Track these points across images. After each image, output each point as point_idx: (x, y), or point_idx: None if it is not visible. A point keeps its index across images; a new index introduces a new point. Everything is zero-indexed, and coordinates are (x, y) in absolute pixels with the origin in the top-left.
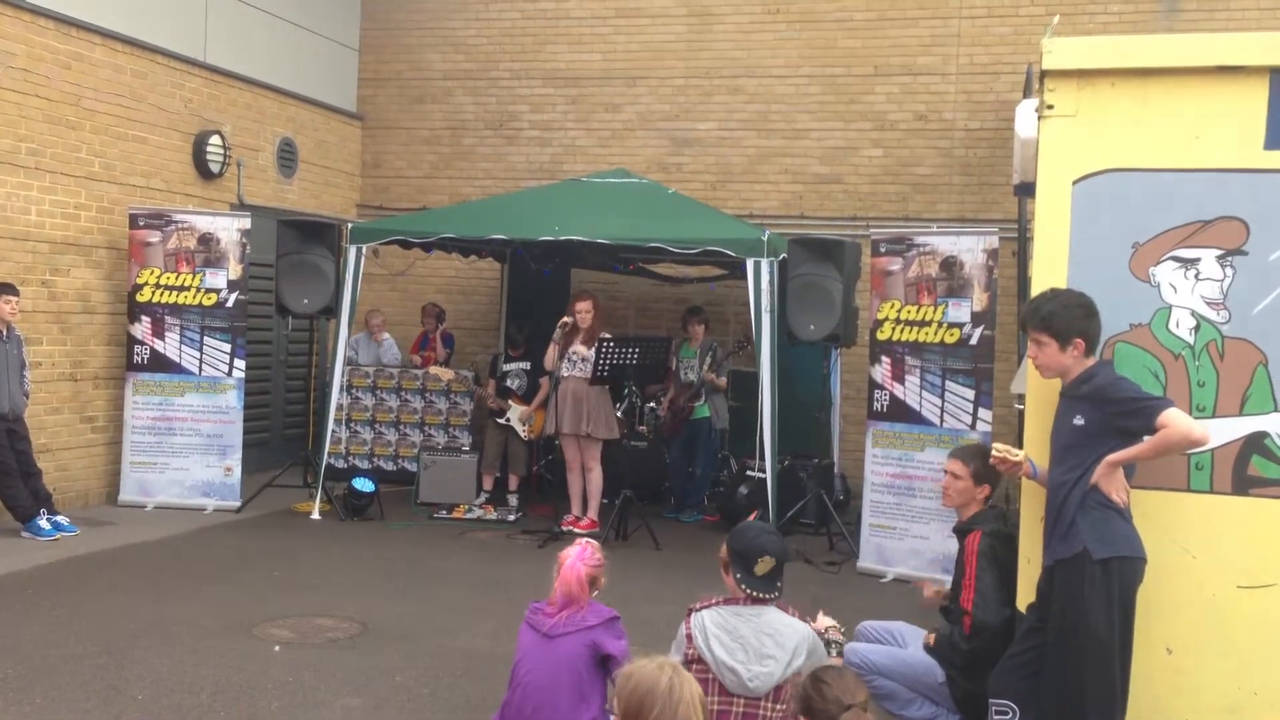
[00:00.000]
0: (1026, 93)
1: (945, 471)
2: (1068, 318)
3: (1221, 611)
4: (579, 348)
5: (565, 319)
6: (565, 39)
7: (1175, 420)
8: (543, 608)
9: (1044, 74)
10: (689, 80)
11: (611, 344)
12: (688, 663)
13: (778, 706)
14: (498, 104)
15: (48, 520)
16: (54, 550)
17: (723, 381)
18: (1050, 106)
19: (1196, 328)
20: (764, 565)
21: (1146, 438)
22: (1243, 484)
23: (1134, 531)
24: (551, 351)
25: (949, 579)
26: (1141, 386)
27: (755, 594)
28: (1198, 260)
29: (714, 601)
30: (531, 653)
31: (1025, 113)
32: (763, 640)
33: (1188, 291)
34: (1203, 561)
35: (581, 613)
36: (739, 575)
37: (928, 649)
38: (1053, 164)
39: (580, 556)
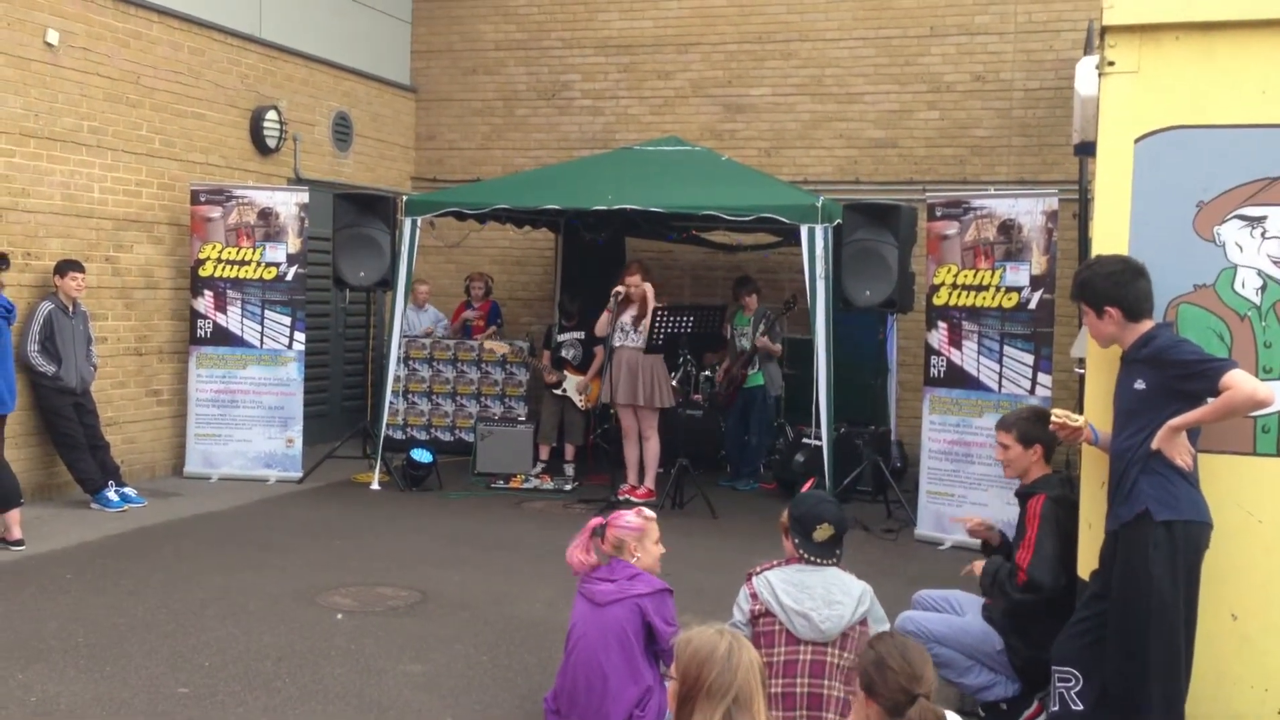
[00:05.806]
0: (1087, 50)
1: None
2: (1098, 286)
3: None
4: (629, 317)
5: (618, 288)
6: (616, 6)
7: (1240, 381)
8: (596, 574)
9: (1105, 29)
10: (741, 45)
11: (666, 313)
12: (754, 618)
13: (844, 654)
14: (550, 73)
15: (116, 492)
16: (122, 521)
17: (777, 348)
18: (1111, 63)
19: (1263, 287)
20: (822, 532)
21: (1210, 400)
22: None
23: (1200, 496)
24: (604, 319)
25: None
26: (1204, 348)
27: (812, 559)
28: (1264, 218)
29: (774, 564)
30: (582, 620)
31: (1085, 70)
32: (830, 589)
33: (1254, 250)
34: (1269, 526)
35: (632, 580)
36: (797, 540)
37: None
38: (1114, 122)
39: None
